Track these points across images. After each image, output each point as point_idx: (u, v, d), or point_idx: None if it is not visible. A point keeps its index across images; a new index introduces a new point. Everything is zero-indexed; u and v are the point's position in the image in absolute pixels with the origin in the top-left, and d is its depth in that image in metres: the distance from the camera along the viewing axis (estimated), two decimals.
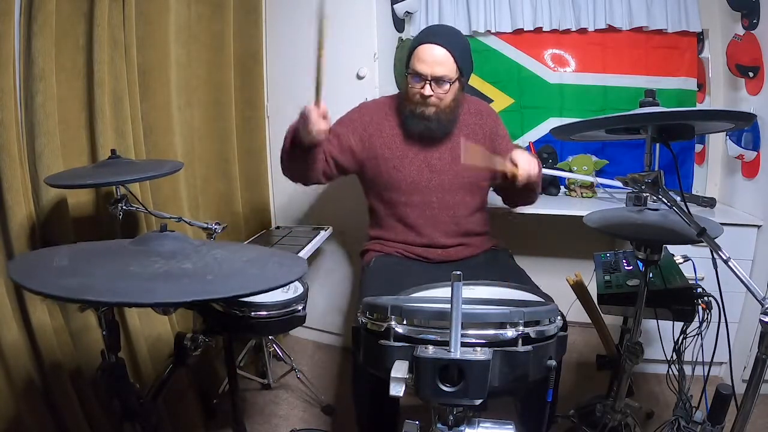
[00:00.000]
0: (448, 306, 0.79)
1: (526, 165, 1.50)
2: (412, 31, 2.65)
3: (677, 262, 1.62)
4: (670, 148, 1.18)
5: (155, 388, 1.48)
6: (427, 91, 1.55)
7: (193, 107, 2.02)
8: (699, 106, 2.47)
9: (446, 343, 0.81)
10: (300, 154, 1.55)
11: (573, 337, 1.76)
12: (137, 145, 1.68)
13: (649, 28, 2.45)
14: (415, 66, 1.56)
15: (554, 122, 2.63)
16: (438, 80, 1.55)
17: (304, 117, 1.41)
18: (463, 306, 0.80)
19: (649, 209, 1.35)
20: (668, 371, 1.51)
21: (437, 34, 1.59)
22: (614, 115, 1.17)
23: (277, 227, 2.37)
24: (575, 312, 1.73)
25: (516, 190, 1.60)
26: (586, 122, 1.17)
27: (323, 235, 2.14)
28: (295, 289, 1.48)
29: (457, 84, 1.59)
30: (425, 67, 1.54)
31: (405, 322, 0.88)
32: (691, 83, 2.47)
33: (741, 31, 2.13)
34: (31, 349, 1.36)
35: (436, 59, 1.54)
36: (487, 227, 1.80)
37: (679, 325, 1.49)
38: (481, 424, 0.88)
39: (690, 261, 1.62)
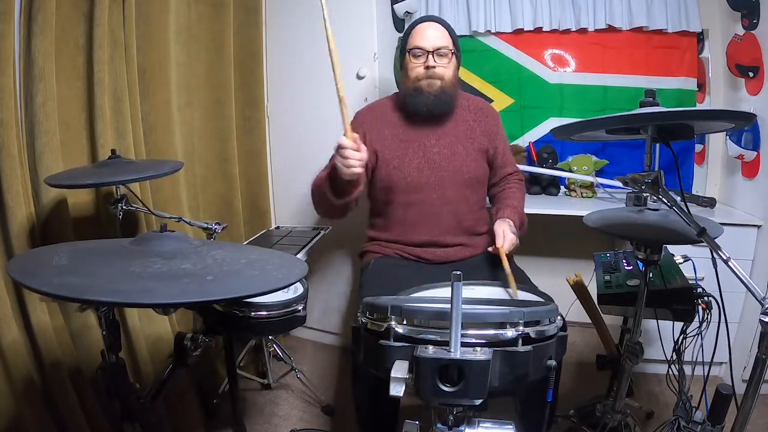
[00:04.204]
0: (448, 306, 0.79)
1: (507, 245, 1.53)
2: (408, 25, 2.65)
3: (677, 262, 1.62)
4: (671, 148, 1.18)
5: (155, 388, 1.48)
6: (431, 62, 1.61)
7: (193, 107, 2.02)
8: (699, 106, 2.47)
9: (446, 343, 0.81)
10: (343, 197, 1.48)
11: (573, 337, 1.77)
12: (137, 145, 1.68)
13: (649, 28, 2.45)
14: (415, 42, 1.63)
15: (554, 122, 2.63)
16: (439, 51, 1.62)
17: (341, 153, 1.35)
18: (463, 306, 0.80)
19: (649, 209, 1.35)
20: (668, 371, 1.51)
21: (429, 17, 1.70)
22: (614, 116, 1.17)
23: (277, 227, 2.37)
24: (575, 312, 1.73)
25: None
26: (586, 122, 1.17)
27: (323, 235, 2.14)
28: (295, 290, 1.48)
29: (455, 60, 1.66)
30: (425, 41, 1.62)
31: (405, 322, 0.88)
32: (691, 83, 2.47)
33: (741, 31, 2.13)
34: (31, 349, 1.36)
35: (433, 33, 1.63)
36: (487, 227, 1.80)
37: (679, 325, 1.49)
38: (481, 424, 0.88)
39: (690, 261, 1.62)
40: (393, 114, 1.73)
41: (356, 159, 1.35)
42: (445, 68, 1.63)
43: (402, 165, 1.67)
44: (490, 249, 1.59)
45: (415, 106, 1.66)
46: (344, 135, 1.35)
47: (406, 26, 2.55)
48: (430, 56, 1.61)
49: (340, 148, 1.35)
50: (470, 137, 1.72)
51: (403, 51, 1.68)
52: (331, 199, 1.51)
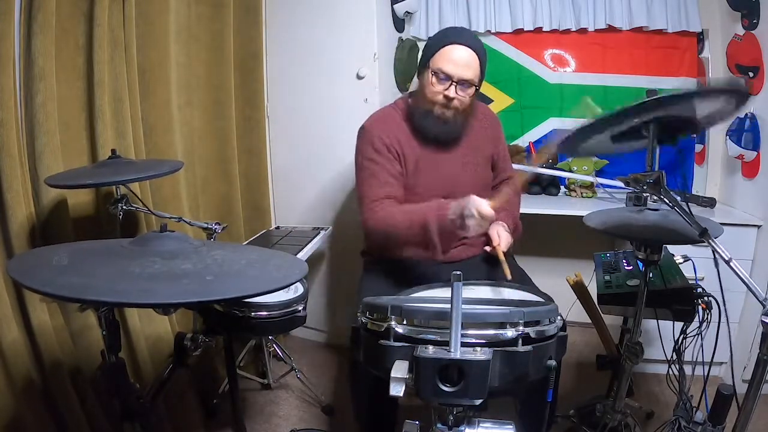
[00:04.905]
0: (448, 306, 0.79)
1: (504, 244, 1.55)
2: (412, 31, 2.65)
3: (677, 262, 1.62)
4: (677, 145, 1.17)
5: (155, 388, 1.48)
6: (452, 93, 1.50)
7: (193, 107, 2.02)
8: None
9: (446, 343, 0.81)
10: (430, 240, 1.45)
11: (573, 337, 1.77)
12: (137, 145, 1.68)
13: (649, 28, 2.45)
14: (442, 66, 1.50)
15: (554, 122, 2.63)
16: (464, 83, 1.51)
17: (478, 214, 1.31)
18: (463, 306, 0.80)
19: (649, 209, 1.35)
20: (668, 371, 1.51)
21: (465, 36, 1.54)
22: (614, 113, 1.15)
23: (277, 227, 2.37)
24: (575, 312, 1.73)
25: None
26: (588, 127, 1.15)
27: (323, 235, 2.14)
28: (295, 290, 1.48)
29: (475, 90, 1.56)
30: (453, 68, 1.49)
31: (405, 322, 0.88)
32: (691, 83, 2.47)
33: (741, 31, 2.13)
34: (31, 349, 1.36)
35: (465, 61, 1.50)
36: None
37: (679, 325, 1.49)
38: (481, 424, 0.88)
39: (690, 261, 1.62)
40: (402, 124, 1.64)
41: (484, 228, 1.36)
42: (463, 100, 1.53)
43: (416, 176, 1.61)
44: (487, 248, 1.58)
45: (424, 130, 1.58)
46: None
47: (405, 27, 2.56)
48: (453, 87, 1.50)
49: (483, 216, 1.31)
50: (479, 146, 1.69)
51: (425, 63, 1.54)
52: (432, 239, 1.45)
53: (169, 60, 1.79)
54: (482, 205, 1.31)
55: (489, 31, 2.63)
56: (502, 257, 1.49)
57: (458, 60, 1.49)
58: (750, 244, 2.01)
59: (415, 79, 1.66)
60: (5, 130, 1.28)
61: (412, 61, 2.40)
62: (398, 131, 1.61)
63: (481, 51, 1.53)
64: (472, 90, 1.54)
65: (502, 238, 1.55)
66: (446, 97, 1.51)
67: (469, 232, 1.37)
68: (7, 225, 1.32)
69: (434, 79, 1.52)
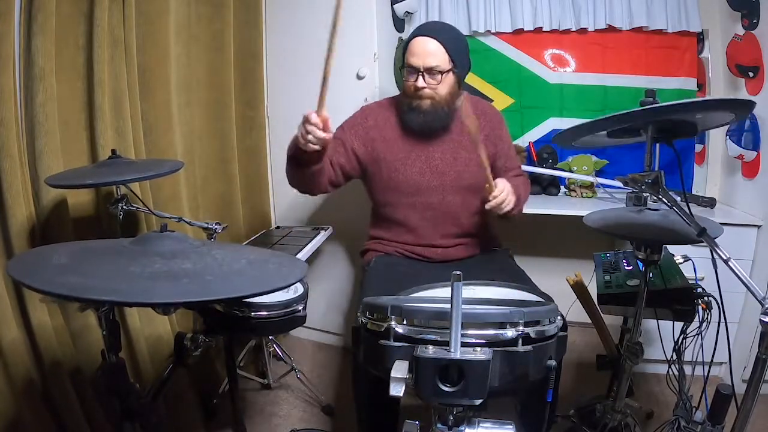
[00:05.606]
0: (448, 306, 0.79)
1: (500, 193, 1.53)
2: (412, 31, 2.65)
3: (677, 262, 1.62)
4: (674, 147, 1.18)
5: (155, 388, 1.48)
6: (420, 82, 1.57)
7: (193, 107, 2.02)
8: None
9: (446, 343, 0.81)
10: (303, 167, 1.54)
11: (573, 337, 1.76)
12: (137, 144, 1.69)
13: (649, 28, 2.45)
14: (408, 59, 1.59)
15: (554, 122, 2.63)
16: (430, 71, 1.56)
17: (304, 122, 1.38)
18: (463, 306, 0.80)
19: (649, 209, 1.35)
20: (668, 371, 1.51)
21: (429, 28, 1.62)
22: (614, 115, 1.16)
23: (277, 227, 2.37)
24: (575, 312, 1.73)
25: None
26: (585, 126, 1.16)
27: (323, 235, 2.14)
28: (295, 290, 1.48)
29: (451, 76, 1.60)
30: (417, 59, 1.57)
31: (405, 322, 0.88)
32: (691, 83, 2.47)
33: (741, 31, 2.13)
34: (31, 349, 1.36)
35: (427, 51, 1.56)
36: (488, 227, 1.80)
37: (679, 325, 1.49)
38: (481, 424, 0.88)
39: (690, 261, 1.62)
40: (397, 117, 1.71)
41: (317, 137, 1.37)
42: (435, 89, 1.58)
43: (403, 167, 1.67)
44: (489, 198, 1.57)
45: (410, 122, 1.65)
46: (315, 111, 1.34)
47: (405, 27, 2.56)
48: (420, 77, 1.57)
49: (306, 121, 1.36)
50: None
51: (403, 62, 1.64)
52: (293, 165, 1.56)
53: (169, 60, 1.79)
54: (312, 114, 1.34)
55: (489, 31, 2.63)
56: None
57: (421, 51, 1.57)
58: (750, 244, 2.01)
59: None
60: (5, 130, 1.28)
61: None
62: (386, 121, 1.70)
63: (446, 39, 1.58)
64: (440, 77, 1.58)
65: (498, 188, 1.54)
66: (416, 88, 1.58)
67: (302, 140, 1.39)
68: (7, 225, 1.32)
69: (406, 74, 1.61)
